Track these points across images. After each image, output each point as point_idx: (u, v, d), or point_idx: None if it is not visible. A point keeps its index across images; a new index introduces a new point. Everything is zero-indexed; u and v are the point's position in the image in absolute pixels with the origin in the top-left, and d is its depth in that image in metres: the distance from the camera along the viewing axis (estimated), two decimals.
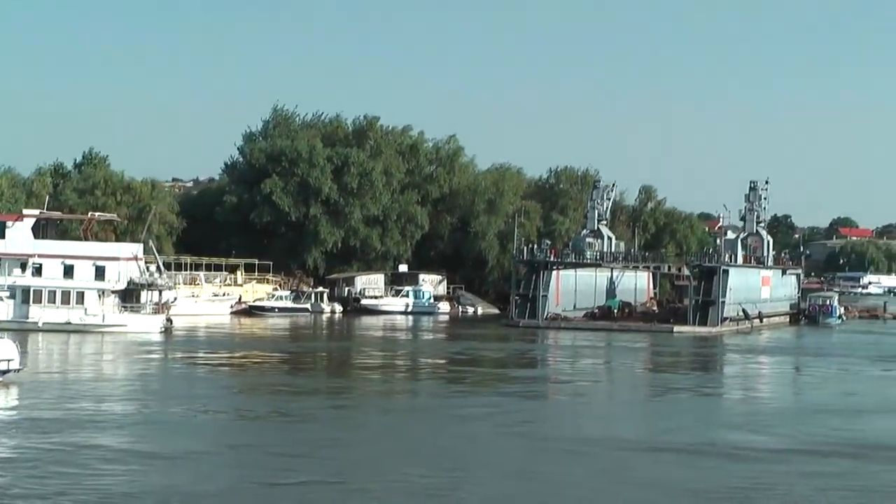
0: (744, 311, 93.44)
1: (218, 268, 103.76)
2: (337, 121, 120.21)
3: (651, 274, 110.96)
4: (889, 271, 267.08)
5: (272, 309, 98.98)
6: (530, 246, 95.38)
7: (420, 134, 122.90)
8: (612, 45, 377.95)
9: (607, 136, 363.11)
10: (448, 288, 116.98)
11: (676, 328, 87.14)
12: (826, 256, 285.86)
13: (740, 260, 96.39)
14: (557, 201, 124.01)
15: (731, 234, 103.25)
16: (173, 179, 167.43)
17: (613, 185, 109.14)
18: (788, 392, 52.67)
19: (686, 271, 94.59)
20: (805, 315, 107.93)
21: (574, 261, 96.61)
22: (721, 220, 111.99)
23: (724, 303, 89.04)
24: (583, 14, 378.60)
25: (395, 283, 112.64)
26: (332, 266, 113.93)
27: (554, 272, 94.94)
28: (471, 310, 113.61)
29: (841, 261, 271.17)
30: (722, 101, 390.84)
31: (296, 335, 79.92)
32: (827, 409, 43.46)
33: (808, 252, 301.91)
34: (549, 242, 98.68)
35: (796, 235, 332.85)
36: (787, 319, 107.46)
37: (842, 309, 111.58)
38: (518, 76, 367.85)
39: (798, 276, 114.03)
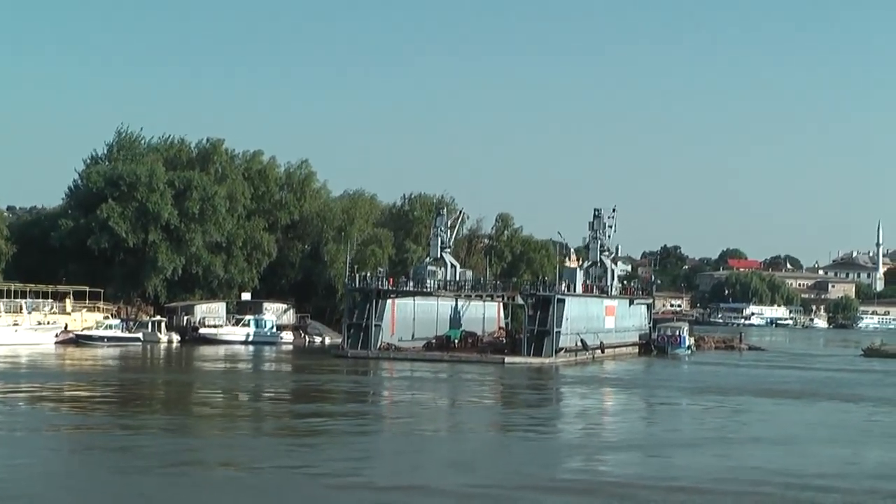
0: (582, 341, 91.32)
1: (46, 295, 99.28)
2: (180, 144, 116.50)
3: (502, 303, 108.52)
4: (772, 302, 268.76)
5: (101, 338, 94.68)
6: (363, 274, 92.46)
7: (271, 159, 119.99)
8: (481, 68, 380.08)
9: (465, 164, 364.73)
10: (296, 317, 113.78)
11: (508, 359, 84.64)
12: (712, 287, 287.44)
13: (580, 289, 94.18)
14: (412, 228, 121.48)
15: (569, 263, 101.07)
16: (7, 207, 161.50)
17: (461, 212, 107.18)
18: (576, 427, 49.85)
19: (519, 300, 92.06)
20: (654, 346, 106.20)
21: (412, 289, 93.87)
22: (558, 247, 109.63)
23: (559, 333, 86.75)
24: (438, 37, 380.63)
25: (241, 311, 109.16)
26: (175, 294, 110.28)
27: (389, 301, 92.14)
28: (318, 339, 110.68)
29: (726, 291, 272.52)
30: (592, 124, 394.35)
31: (104, 367, 75.58)
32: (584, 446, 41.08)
33: (695, 283, 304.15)
34: (381, 270, 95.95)
35: (685, 267, 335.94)
36: (637, 350, 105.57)
37: (691, 340, 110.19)
38: (373, 101, 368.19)
39: (649, 305, 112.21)
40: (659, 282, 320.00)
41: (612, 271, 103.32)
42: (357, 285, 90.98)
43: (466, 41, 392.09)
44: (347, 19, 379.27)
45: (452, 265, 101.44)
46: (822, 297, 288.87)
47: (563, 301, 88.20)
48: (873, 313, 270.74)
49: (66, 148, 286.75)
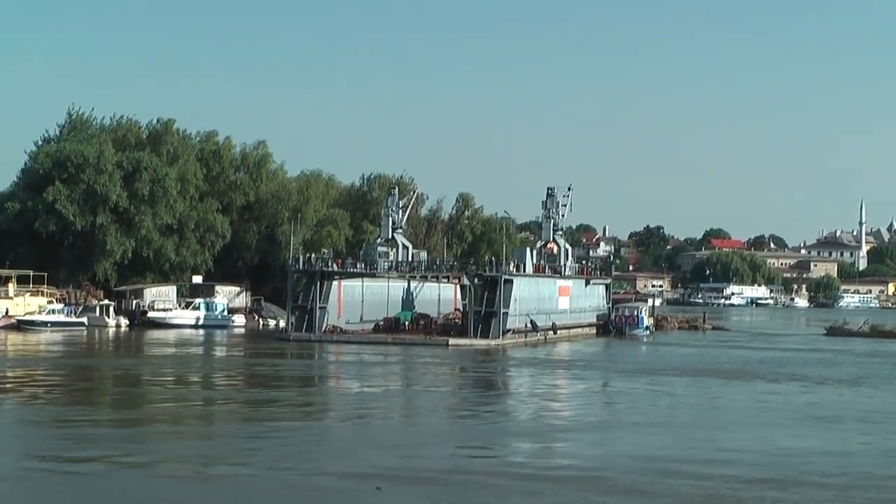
0: (532, 322, 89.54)
1: None
2: (129, 124, 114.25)
3: (459, 285, 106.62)
4: (753, 282, 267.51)
5: (44, 323, 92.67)
6: (308, 255, 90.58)
7: (227, 139, 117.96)
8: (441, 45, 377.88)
9: (430, 144, 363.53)
10: (250, 299, 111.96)
11: (453, 341, 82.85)
12: (693, 267, 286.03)
13: (530, 269, 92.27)
14: (370, 209, 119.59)
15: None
16: None
17: (414, 192, 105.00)
18: (482, 411, 48.05)
19: (465, 280, 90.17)
20: (612, 326, 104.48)
21: (360, 271, 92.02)
22: (505, 225, 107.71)
23: (506, 314, 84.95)
24: (404, 13, 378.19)
25: (194, 294, 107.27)
26: (127, 278, 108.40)
27: (335, 283, 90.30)
28: (272, 322, 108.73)
29: (707, 272, 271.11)
30: (568, 103, 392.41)
31: (43, 352, 73.52)
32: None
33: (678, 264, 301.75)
34: (325, 251, 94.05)
35: (669, 247, 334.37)
36: (594, 331, 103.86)
37: (650, 320, 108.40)
38: (333, 81, 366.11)
39: (608, 285, 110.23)
40: (621, 264, 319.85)
41: (567, 251, 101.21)
42: (301, 267, 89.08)
43: (432, 20, 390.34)
44: None
45: (405, 246, 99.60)
46: (804, 276, 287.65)
47: (511, 282, 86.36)
48: (855, 292, 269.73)
49: (20, 130, 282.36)
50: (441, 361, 69.76)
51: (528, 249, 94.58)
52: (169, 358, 70.47)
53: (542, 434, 38.86)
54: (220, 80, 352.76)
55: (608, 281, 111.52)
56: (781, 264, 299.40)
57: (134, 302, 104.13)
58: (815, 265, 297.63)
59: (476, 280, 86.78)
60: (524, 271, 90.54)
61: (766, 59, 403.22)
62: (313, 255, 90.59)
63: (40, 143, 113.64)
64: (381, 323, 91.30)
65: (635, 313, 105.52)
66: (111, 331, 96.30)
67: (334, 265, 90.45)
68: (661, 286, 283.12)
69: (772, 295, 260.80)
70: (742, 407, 47.54)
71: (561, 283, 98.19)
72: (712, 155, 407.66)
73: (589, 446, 35.80)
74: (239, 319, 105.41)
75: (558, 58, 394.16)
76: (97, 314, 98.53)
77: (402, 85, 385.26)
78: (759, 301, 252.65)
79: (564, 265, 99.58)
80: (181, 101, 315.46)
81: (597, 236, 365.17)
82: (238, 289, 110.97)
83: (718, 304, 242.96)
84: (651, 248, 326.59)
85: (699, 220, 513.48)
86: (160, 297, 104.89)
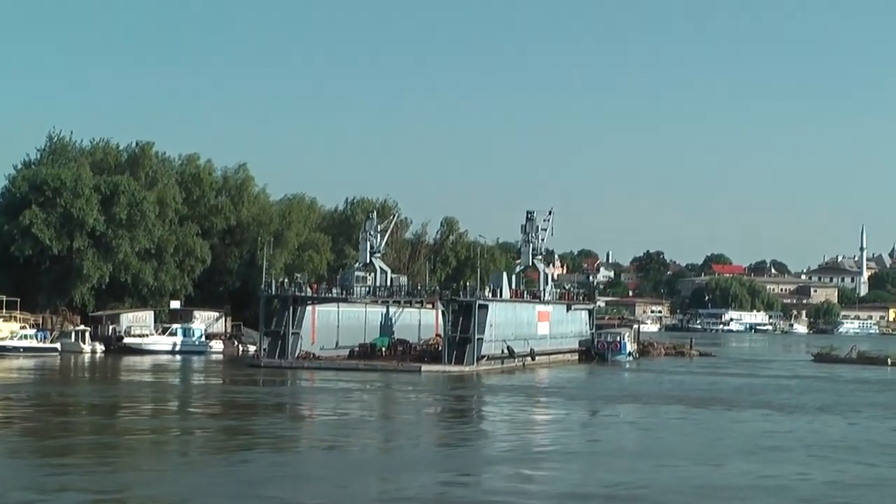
0: (509, 348, 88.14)
1: None
2: (106, 147, 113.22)
3: (441, 310, 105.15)
4: (752, 308, 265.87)
5: (15, 349, 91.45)
6: (281, 280, 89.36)
7: (208, 162, 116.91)
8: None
9: (413, 167, 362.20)
10: (230, 325, 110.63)
11: (425, 367, 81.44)
12: (692, 293, 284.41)
13: (507, 294, 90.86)
14: (353, 233, 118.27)
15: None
16: None
17: (395, 215, 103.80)
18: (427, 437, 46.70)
19: (440, 306, 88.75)
20: (595, 352, 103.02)
21: (335, 296, 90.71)
22: (486, 249, 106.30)
23: (481, 340, 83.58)
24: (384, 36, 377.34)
25: (172, 320, 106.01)
26: (105, 303, 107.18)
27: (309, 307, 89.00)
28: (252, 348, 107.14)
29: (706, 297, 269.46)
30: (563, 124, 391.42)
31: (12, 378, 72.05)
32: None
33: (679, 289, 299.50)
34: (298, 276, 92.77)
35: (669, 272, 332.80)
36: (577, 357, 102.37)
37: (633, 346, 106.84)
38: (318, 105, 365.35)
39: (591, 311, 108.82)
40: (621, 289, 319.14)
41: (547, 275, 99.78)
42: (273, 292, 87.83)
43: (417, 41, 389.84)
44: (298, 19, 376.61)
45: (383, 270, 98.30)
46: (804, 302, 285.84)
47: (486, 307, 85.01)
48: (855, 318, 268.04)
49: (3, 153, 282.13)
50: (413, 388, 68.38)
51: (504, 274, 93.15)
52: (127, 385, 69.13)
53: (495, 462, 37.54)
54: (204, 103, 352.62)
55: (591, 306, 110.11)
56: (782, 290, 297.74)
57: (110, 327, 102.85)
58: (816, 291, 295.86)
59: (451, 306, 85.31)
60: (500, 296, 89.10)
61: (771, 83, 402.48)
62: (286, 280, 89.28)
63: (20, 166, 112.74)
64: (357, 349, 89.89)
65: (618, 339, 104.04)
66: (86, 357, 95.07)
67: (308, 290, 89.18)
68: (660, 312, 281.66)
69: (770, 321, 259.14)
70: (688, 436, 46.16)
71: (540, 308, 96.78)
72: (715, 180, 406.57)
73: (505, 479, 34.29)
74: (217, 345, 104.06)
75: (556, 80, 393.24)
76: (72, 340, 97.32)
77: (389, 107, 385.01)
78: (757, 327, 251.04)
79: (544, 290, 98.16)
80: (162, 124, 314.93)
81: (598, 262, 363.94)
82: (217, 314, 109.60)
83: (716, 330, 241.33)
84: (651, 274, 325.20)
85: (702, 246, 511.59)
86: (137, 323, 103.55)
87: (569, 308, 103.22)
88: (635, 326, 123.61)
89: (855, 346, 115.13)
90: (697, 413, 55.70)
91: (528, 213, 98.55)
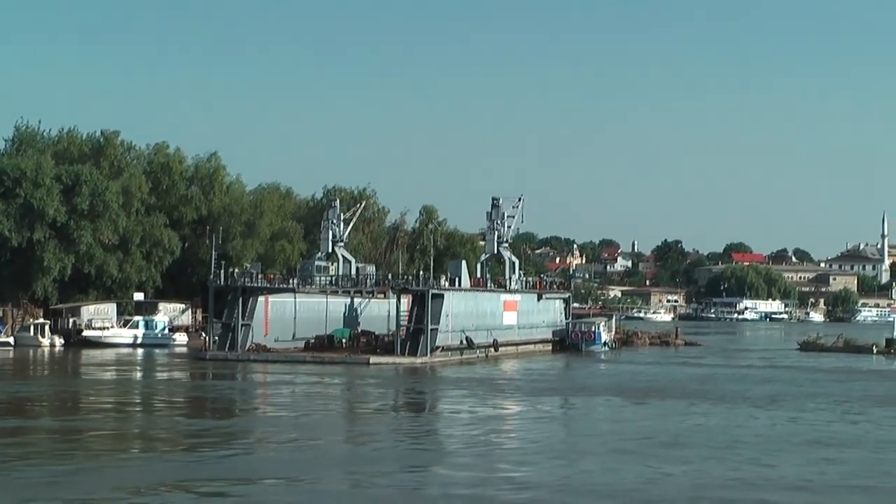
0: (468, 338, 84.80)
1: None
2: (72, 136, 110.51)
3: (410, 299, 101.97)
4: (769, 296, 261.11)
5: None
6: (231, 270, 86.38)
7: (176, 151, 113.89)
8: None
9: (400, 157, 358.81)
10: (199, 316, 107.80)
11: (374, 359, 78.24)
12: (708, 282, 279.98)
13: (467, 283, 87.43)
14: None
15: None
16: None
17: (362, 204, 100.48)
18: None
19: (391, 295, 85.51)
20: (568, 342, 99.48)
21: (290, 286, 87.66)
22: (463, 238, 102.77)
23: (435, 330, 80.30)
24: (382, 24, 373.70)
25: (139, 312, 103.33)
26: (69, 295, 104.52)
27: (262, 298, 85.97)
28: None
29: (722, 286, 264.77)
30: (576, 114, 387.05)
31: None
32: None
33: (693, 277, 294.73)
34: (247, 266, 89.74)
35: (687, 261, 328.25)
36: (549, 347, 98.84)
37: (609, 335, 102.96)
38: (294, 94, 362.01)
39: (566, 300, 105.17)
40: (638, 278, 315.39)
41: (513, 264, 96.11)
42: (222, 282, 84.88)
43: (396, 30, 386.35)
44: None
45: (347, 260, 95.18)
46: (822, 290, 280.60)
47: (441, 296, 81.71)
48: (875, 306, 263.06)
49: None
50: (351, 382, 65.25)
51: (464, 263, 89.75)
52: (80, 381, 66.72)
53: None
54: (177, 93, 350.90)
55: (566, 295, 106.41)
56: (801, 278, 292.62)
57: (71, 320, 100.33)
58: (835, 279, 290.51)
59: (402, 296, 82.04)
60: (459, 285, 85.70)
61: (791, 72, 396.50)
62: (235, 270, 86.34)
63: None
64: (313, 341, 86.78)
65: (592, 329, 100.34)
66: (45, 350, 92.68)
67: (262, 280, 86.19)
68: (675, 301, 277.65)
69: (786, 309, 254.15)
70: (608, 431, 42.90)
71: (506, 297, 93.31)
72: (736, 168, 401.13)
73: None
74: (181, 338, 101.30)
75: (570, 70, 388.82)
76: (31, 333, 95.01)
77: (373, 96, 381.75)
78: (773, 316, 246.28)
79: (510, 279, 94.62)
80: (133, 113, 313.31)
81: (618, 251, 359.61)
82: (183, 306, 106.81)
83: (731, 319, 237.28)
84: (669, 263, 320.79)
85: (722, 234, 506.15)
86: (98, 315, 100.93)
87: (540, 297, 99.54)
88: (615, 316, 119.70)
89: (842, 334, 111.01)
90: (648, 407, 52.28)
91: (493, 199, 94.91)
